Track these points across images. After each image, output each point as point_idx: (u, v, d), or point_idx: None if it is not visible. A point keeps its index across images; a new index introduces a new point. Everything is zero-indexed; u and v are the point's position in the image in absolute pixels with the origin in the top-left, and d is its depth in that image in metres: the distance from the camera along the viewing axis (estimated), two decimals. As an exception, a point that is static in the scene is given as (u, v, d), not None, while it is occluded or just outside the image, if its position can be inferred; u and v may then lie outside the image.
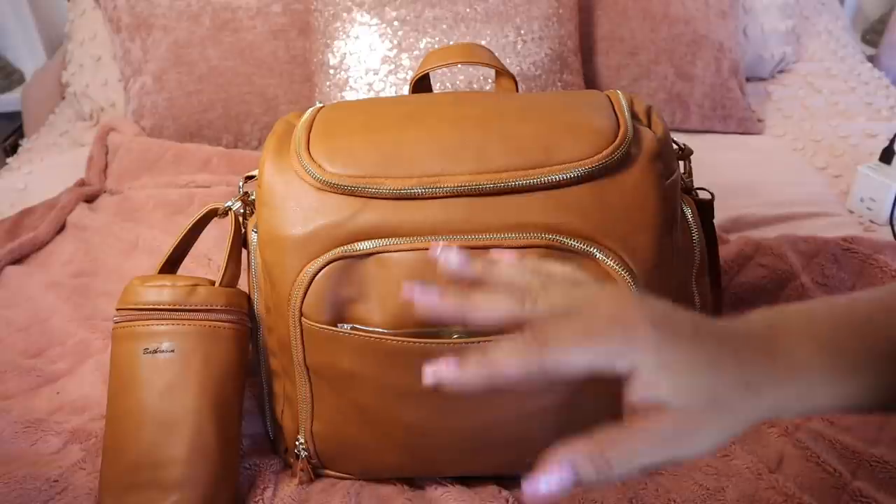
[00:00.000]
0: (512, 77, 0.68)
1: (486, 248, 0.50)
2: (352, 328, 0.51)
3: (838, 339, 0.36)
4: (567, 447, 0.32)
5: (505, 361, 0.32)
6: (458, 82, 1.12)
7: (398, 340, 0.50)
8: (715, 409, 0.33)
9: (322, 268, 0.51)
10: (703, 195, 0.62)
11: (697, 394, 0.33)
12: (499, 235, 0.50)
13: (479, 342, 0.49)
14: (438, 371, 0.33)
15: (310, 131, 0.55)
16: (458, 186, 0.50)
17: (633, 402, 0.33)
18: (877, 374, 0.36)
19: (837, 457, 0.58)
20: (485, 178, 0.50)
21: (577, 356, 0.32)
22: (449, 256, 0.37)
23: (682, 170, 0.60)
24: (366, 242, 0.50)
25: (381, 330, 0.51)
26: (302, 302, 0.52)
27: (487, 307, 0.34)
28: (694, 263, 0.58)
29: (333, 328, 0.51)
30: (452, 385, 0.33)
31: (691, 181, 0.61)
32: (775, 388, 0.34)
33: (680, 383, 0.32)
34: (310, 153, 0.53)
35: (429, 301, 0.35)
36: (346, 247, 0.51)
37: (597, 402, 0.54)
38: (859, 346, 0.36)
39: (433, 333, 0.50)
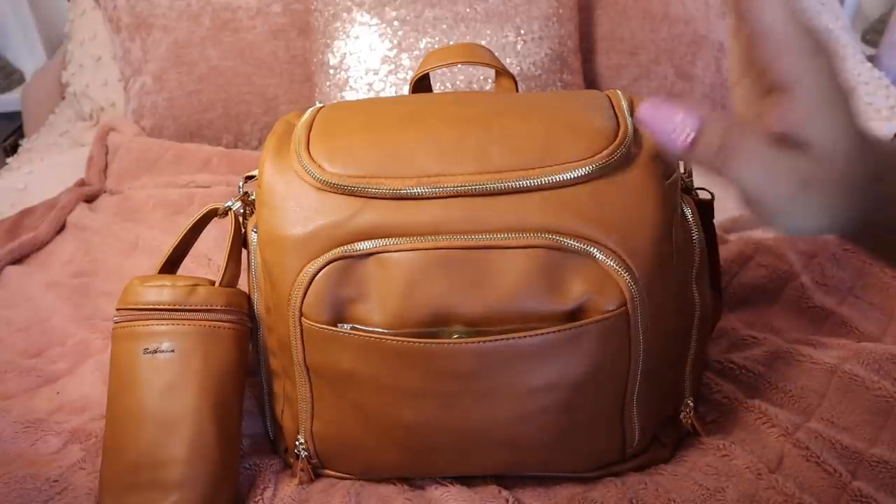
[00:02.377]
0: (512, 77, 0.68)
1: (486, 248, 0.50)
2: (352, 328, 0.51)
3: None
4: None
5: None
6: (458, 82, 1.12)
7: (398, 340, 0.50)
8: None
9: (322, 268, 0.51)
10: (703, 195, 0.62)
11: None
12: (499, 236, 0.50)
13: (479, 343, 0.49)
14: None
15: (310, 131, 0.55)
16: (458, 186, 0.50)
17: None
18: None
19: (837, 457, 0.58)
20: (485, 178, 0.50)
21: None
22: None
23: (681, 170, 0.60)
24: (366, 242, 0.50)
25: (381, 330, 0.51)
26: (302, 302, 0.52)
27: None
28: (694, 263, 0.58)
29: (333, 328, 0.51)
30: None
31: (691, 181, 0.61)
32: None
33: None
34: (310, 153, 0.53)
35: None
36: (346, 247, 0.51)
37: (594, 402, 0.54)
38: None
39: (433, 333, 0.50)
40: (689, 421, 0.60)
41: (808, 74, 0.32)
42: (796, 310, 0.76)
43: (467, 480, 0.59)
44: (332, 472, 0.61)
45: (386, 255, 0.50)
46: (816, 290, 0.77)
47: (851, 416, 0.62)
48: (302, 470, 0.60)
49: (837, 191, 0.33)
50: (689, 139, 0.32)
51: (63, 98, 1.44)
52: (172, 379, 0.55)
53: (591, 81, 1.24)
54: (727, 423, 0.63)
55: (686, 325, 0.59)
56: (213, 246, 0.88)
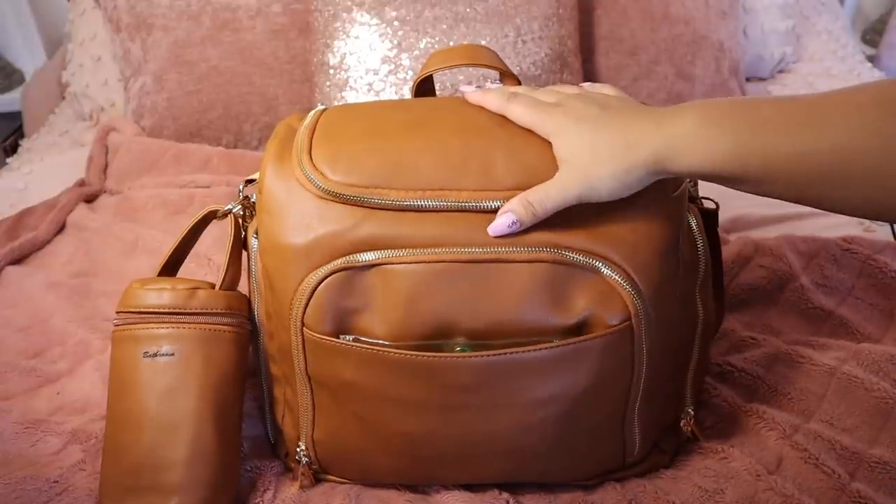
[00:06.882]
0: (516, 79, 0.67)
1: (490, 261, 0.49)
2: (354, 340, 0.50)
3: (722, 114, 0.44)
4: (508, 202, 0.49)
5: (489, 98, 0.54)
6: (459, 81, 1.12)
7: (401, 353, 0.49)
8: (598, 159, 0.47)
9: (324, 278, 0.50)
10: (707, 205, 0.61)
11: (579, 148, 0.48)
12: (502, 249, 0.49)
13: (483, 356, 0.49)
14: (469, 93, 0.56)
15: (312, 136, 0.54)
16: (462, 202, 0.49)
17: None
18: (739, 145, 0.43)
19: (836, 458, 0.58)
20: (489, 196, 0.49)
21: (521, 115, 0.51)
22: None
23: (687, 181, 0.59)
24: (368, 254, 0.50)
25: (383, 342, 0.50)
26: (304, 312, 0.51)
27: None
28: (699, 275, 0.57)
29: (335, 339, 0.51)
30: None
31: (696, 189, 0.61)
32: (652, 144, 0.45)
33: (568, 143, 0.48)
34: (311, 160, 0.52)
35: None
36: (348, 257, 0.50)
37: (595, 413, 0.54)
38: (735, 120, 0.44)
39: (436, 346, 0.50)
40: (689, 428, 0.60)
41: None
42: (796, 311, 0.76)
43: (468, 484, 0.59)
44: (333, 478, 0.61)
45: (389, 266, 0.50)
46: (816, 290, 0.77)
47: (851, 417, 0.62)
48: (303, 475, 0.59)
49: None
50: (513, 223, 0.49)
51: (63, 98, 1.44)
52: (172, 382, 0.55)
53: (590, 82, 1.24)
54: (726, 427, 0.63)
55: (689, 335, 0.59)
56: (213, 246, 0.88)
